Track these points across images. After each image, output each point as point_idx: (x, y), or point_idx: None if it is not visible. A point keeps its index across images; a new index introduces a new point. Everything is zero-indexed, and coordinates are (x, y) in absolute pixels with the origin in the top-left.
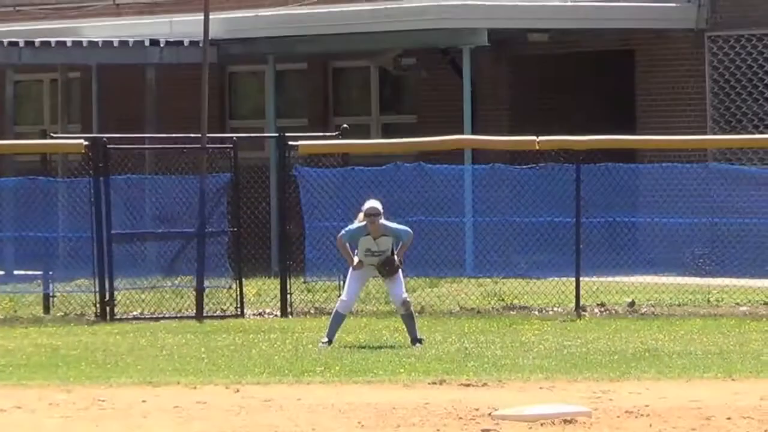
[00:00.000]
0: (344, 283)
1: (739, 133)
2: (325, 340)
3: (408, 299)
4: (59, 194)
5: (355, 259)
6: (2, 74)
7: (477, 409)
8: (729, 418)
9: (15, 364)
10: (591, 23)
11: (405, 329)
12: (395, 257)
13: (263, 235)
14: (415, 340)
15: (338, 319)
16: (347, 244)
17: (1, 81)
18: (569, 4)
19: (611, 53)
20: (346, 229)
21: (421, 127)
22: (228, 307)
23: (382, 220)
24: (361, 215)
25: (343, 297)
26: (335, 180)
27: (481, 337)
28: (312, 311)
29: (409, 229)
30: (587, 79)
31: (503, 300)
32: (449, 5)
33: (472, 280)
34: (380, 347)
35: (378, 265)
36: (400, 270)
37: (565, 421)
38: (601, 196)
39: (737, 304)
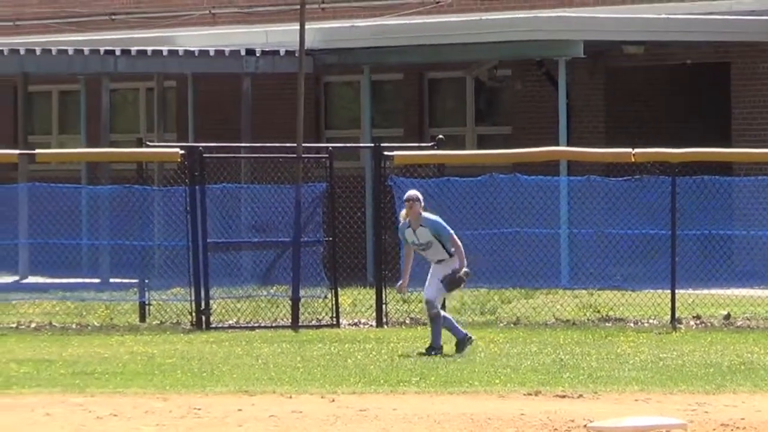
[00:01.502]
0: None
1: None
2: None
3: (432, 301)
4: (155, 203)
5: (404, 283)
6: (98, 83)
7: (572, 421)
8: None
9: (111, 372)
10: (686, 35)
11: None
12: (455, 275)
13: (359, 244)
14: (432, 348)
15: (433, 323)
16: (409, 252)
17: (97, 89)
18: (664, 16)
19: (706, 65)
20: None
21: (516, 139)
22: (323, 317)
23: (422, 210)
24: (403, 211)
25: (423, 295)
26: (430, 190)
27: (576, 348)
28: (408, 321)
29: (445, 224)
30: (682, 91)
31: (599, 312)
32: (545, 17)
33: (568, 292)
34: (475, 358)
35: (445, 285)
36: (447, 267)
37: None
38: (696, 209)
39: None
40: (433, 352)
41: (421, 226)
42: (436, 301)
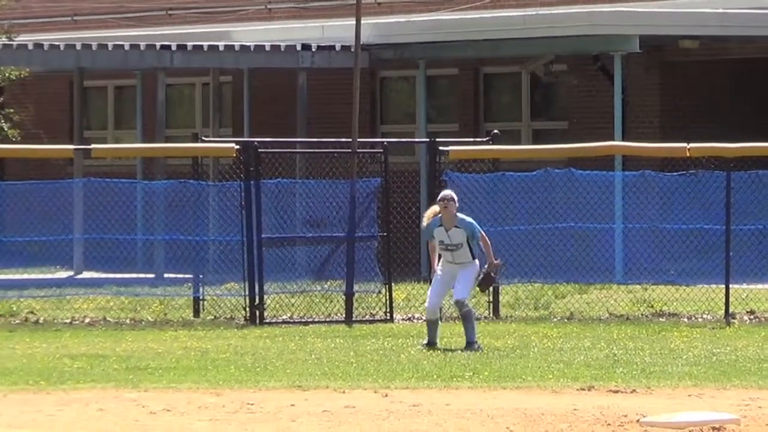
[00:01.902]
0: (492, 289)
1: None
2: (425, 341)
3: (462, 300)
4: (210, 198)
5: (438, 269)
6: (154, 78)
7: (625, 416)
8: None
9: (165, 367)
10: (741, 30)
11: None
12: (490, 272)
13: (413, 239)
14: (470, 344)
15: (430, 326)
16: (434, 246)
17: (153, 84)
18: (720, 11)
19: (762, 60)
20: (424, 226)
21: (571, 133)
22: (377, 312)
23: (456, 212)
24: (435, 207)
25: (426, 304)
26: (485, 185)
27: (629, 343)
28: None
29: (478, 226)
30: (738, 85)
31: (652, 307)
32: (601, 12)
33: (622, 287)
34: (529, 353)
35: (479, 285)
36: (470, 269)
37: (714, 428)
38: (751, 204)
39: None
40: (475, 348)
41: (455, 227)
42: (466, 300)
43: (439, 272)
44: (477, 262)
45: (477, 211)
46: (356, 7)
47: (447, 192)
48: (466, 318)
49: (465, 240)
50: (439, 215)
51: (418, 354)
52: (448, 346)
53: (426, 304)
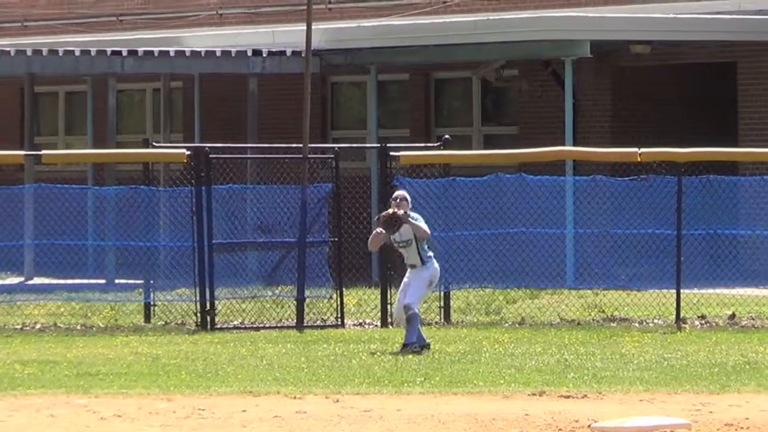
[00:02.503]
0: (443, 295)
1: None
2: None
3: (409, 305)
4: (161, 203)
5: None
6: (105, 83)
7: (577, 421)
8: None
9: (115, 372)
10: (694, 35)
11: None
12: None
13: (364, 245)
14: (405, 346)
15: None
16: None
17: (104, 90)
18: (671, 16)
19: (713, 65)
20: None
21: (522, 139)
22: (328, 317)
23: (409, 210)
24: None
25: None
26: (436, 190)
27: (581, 348)
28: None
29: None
30: (689, 90)
31: (603, 312)
32: (552, 17)
33: (573, 292)
34: (480, 358)
35: (383, 224)
36: (422, 274)
37: None
38: (702, 209)
39: None
40: (414, 348)
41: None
42: (415, 305)
43: (405, 279)
44: (429, 268)
45: (428, 216)
46: (307, 12)
47: (400, 192)
48: (409, 320)
49: (413, 236)
50: None
51: (369, 359)
52: (397, 351)
53: (401, 302)
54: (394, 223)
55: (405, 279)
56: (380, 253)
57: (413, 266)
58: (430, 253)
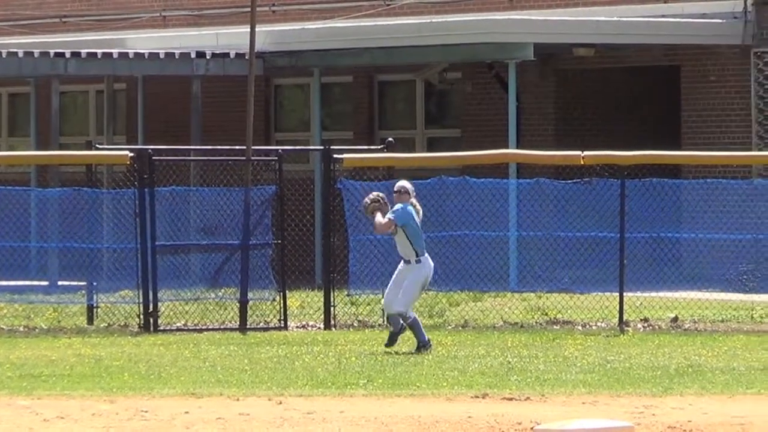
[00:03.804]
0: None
1: None
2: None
3: (404, 312)
4: (104, 205)
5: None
6: (48, 85)
7: (519, 424)
8: None
9: (58, 374)
10: (637, 38)
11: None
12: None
13: (307, 247)
14: (422, 346)
15: (408, 324)
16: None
17: (47, 92)
18: (615, 19)
19: (657, 68)
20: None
21: (465, 141)
22: (271, 320)
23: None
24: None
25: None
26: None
27: (524, 351)
28: (355, 324)
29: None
30: (633, 93)
31: (547, 314)
32: (495, 19)
33: (516, 295)
34: (423, 360)
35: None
36: (414, 274)
37: None
38: (645, 212)
39: None
40: (428, 347)
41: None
42: (409, 311)
43: (398, 268)
44: (424, 266)
45: (371, 219)
46: (251, 14)
47: (401, 183)
48: (412, 327)
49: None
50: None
51: (312, 361)
52: (343, 354)
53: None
54: (365, 209)
55: (398, 269)
56: (322, 255)
57: (407, 261)
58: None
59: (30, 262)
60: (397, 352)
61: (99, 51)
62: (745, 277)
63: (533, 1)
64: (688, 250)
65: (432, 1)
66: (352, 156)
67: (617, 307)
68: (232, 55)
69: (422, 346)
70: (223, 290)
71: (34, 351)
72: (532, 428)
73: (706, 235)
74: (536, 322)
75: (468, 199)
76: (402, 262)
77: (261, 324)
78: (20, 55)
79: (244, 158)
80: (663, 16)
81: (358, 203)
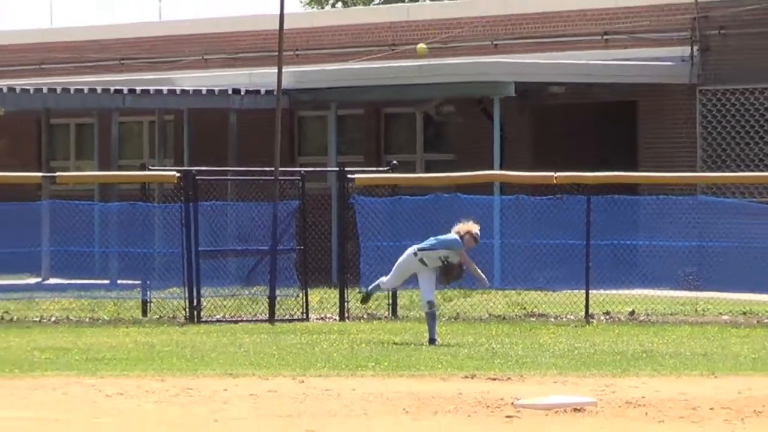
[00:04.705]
0: (391, 294)
1: (723, 171)
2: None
3: (432, 300)
4: (155, 217)
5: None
6: (108, 117)
7: (502, 399)
8: (711, 409)
9: (118, 357)
10: (601, 78)
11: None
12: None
13: (325, 252)
14: (431, 341)
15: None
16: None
17: (108, 122)
18: (583, 62)
19: (618, 103)
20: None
21: (458, 164)
22: (295, 313)
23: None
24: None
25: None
26: (386, 207)
27: (506, 339)
28: (365, 316)
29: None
30: (597, 124)
31: (525, 308)
32: (483, 62)
33: (500, 292)
34: (422, 347)
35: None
36: (432, 272)
37: (575, 409)
38: (607, 223)
39: (720, 313)
40: (433, 344)
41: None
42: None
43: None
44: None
45: (378, 228)
46: (278, 58)
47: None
48: (434, 317)
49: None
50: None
51: (329, 347)
52: (354, 342)
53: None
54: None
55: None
56: (338, 259)
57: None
58: None
59: (94, 264)
60: (400, 342)
61: (151, 88)
62: (690, 277)
63: (514, 47)
64: (643, 255)
65: (429, 46)
66: (362, 176)
67: (584, 303)
68: (262, 92)
69: (434, 340)
70: (255, 288)
71: (97, 338)
72: (512, 403)
73: (658, 242)
74: (516, 315)
75: (459, 213)
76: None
77: (287, 316)
78: (85, 91)
79: (272, 178)
80: (623, 60)
81: (368, 215)
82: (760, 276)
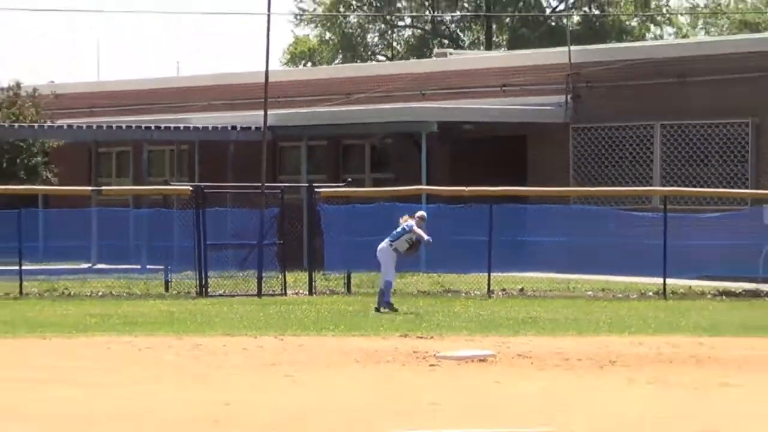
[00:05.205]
0: (347, 275)
1: (590, 187)
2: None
3: (391, 281)
4: (174, 219)
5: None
6: (140, 146)
7: (427, 352)
8: (579, 360)
9: (147, 322)
10: (501, 118)
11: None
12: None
13: (298, 245)
14: (377, 310)
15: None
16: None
17: (140, 150)
18: (487, 106)
19: (512, 137)
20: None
21: (395, 181)
22: (276, 289)
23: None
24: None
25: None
26: (343, 212)
27: (430, 308)
28: (327, 292)
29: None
30: (497, 152)
31: (443, 286)
32: (413, 107)
33: (425, 275)
34: (368, 314)
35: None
36: (395, 259)
37: (480, 359)
38: (504, 224)
39: (586, 290)
40: (378, 311)
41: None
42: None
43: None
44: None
45: (338, 228)
46: (264, 104)
47: (422, 213)
48: (382, 293)
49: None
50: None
51: (301, 315)
52: (320, 311)
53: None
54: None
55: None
56: (308, 250)
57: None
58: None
59: (130, 253)
60: (353, 310)
61: (172, 125)
62: (565, 263)
63: (437, 96)
64: (531, 247)
65: (374, 96)
66: (326, 190)
67: (486, 282)
68: (253, 128)
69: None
70: (247, 271)
71: (132, 308)
72: (434, 355)
73: (542, 238)
74: (437, 291)
75: (396, 217)
76: (395, 252)
77: (270, 292)
78: (123, 128)
79: (260, 191)
80: (517, 105)
81: (330, 218)
82: (614, 262)
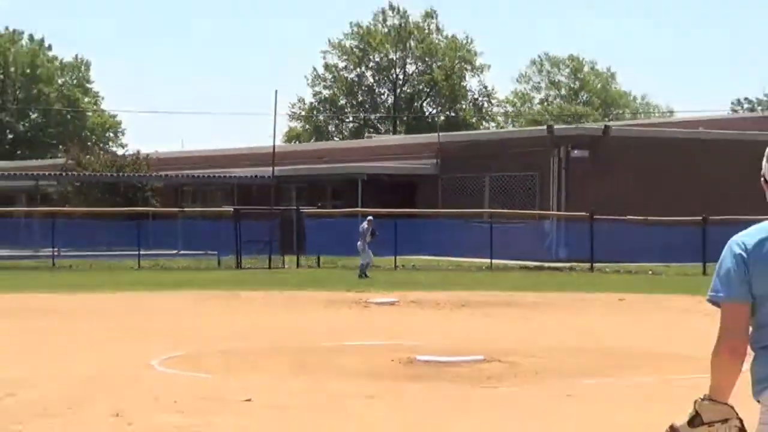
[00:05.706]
0: (317, 258)
1: (450, 209)
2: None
3: (365, 265)
4: (222, 228)
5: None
6: (205, 187)
7: (368, 300)
8: (445, 304)
9: (205, 284)
10: (401, 171)
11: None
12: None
13: (291, 242)
14: (360, 276)
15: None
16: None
17: (204, 189)
18: (391, 165)
19: (408, 183)
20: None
21: (345, 206)
22: (279, 265)
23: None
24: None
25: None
26: (317, 224)
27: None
28: (308, 267)
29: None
30: (398, 194)
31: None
32: (354, 165)
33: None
34: (331, 278)
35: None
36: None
37: (391, 303)
38: (403, 229)
39: (447, 266)
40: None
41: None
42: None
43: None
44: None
45: (314, 232)
46: (272, 162)
47: (370, 217)
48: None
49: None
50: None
51: (291, 278)
52: (301, 276)
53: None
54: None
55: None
56: (297, 244)
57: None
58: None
59: (202, 246)
60: (326, 277)
61: (223, 174)
62: (439, 251)
63: (367, 159)
64: (422, 240)
65: (334, 158)
66: (307, 210)
67: (394, 261)
68: (266, 177)
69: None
70: (263, 255)
71: (197, 276)
72: (367, 300)
73: (427, 236)
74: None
75: (344, 228)
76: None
77: (276, 267)
78: (195, 176)
79: (269, 210)
80: (411, 164)
81: (310, 228)
82: (465, 251)
